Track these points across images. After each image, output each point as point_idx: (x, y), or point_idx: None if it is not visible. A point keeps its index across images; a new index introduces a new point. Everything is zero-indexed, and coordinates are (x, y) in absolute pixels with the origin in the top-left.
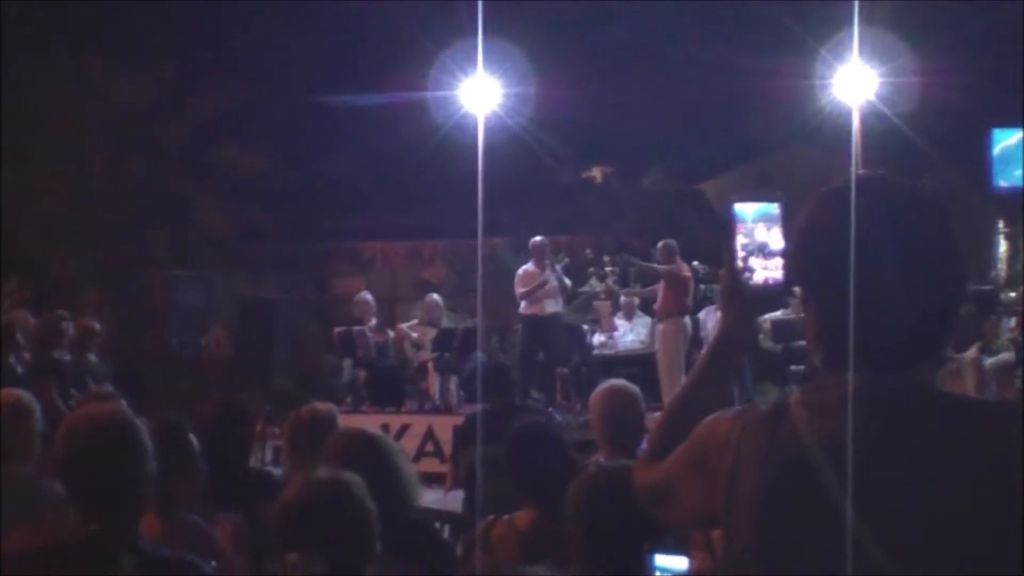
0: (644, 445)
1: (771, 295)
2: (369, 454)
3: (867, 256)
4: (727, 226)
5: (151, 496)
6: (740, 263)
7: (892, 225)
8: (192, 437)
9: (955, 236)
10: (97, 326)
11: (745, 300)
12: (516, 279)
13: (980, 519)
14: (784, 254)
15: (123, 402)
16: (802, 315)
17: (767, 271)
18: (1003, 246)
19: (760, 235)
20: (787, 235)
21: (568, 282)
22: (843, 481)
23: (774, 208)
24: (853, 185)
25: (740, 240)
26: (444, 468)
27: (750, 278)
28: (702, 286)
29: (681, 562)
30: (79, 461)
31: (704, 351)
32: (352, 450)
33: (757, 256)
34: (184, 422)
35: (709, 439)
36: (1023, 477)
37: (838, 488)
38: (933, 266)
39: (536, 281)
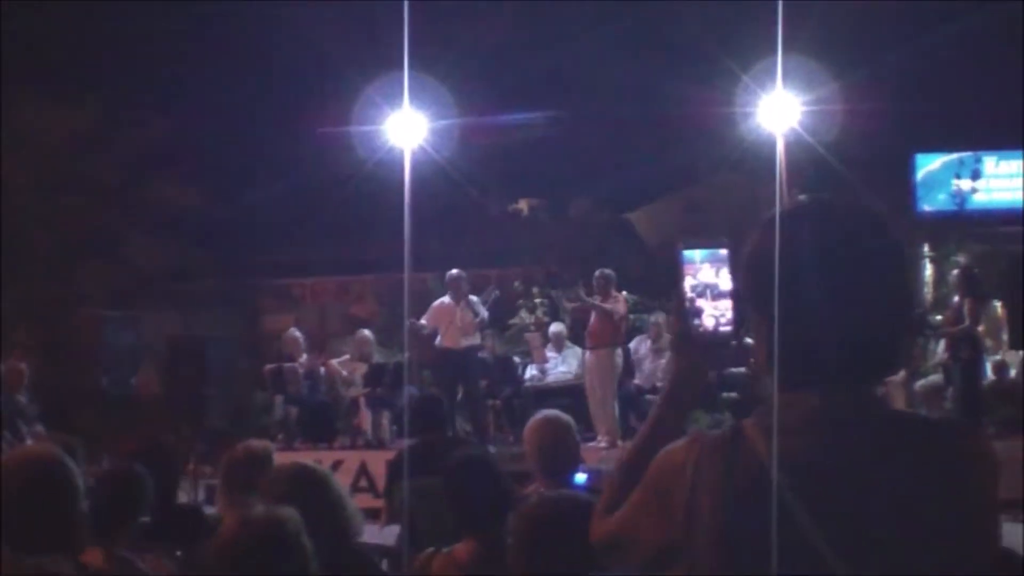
0: (579, 474)
1: (722, 341)
2: (314, 488)
3: (818, 277)
4: (675, 273)
5: (86, 534)
6: (688, 304)
7: (841, 245)
8: (147, 486)
9: (901, 254)
10: (24, 366)
11: (696, 348)
12: (429, 310)
13: (940, 533)
14: (733, 295)
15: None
16: (748, 340)
17: (716, 312)
18: (929, 270)
19: (706, 276)
20: (735, 277)
21: (486, 315)
22: (804, 501)
23: (722, 251)
24: (778, 213)
25: (689, 282)
26: (378, 503)
27: (700, 324)
28: (632, 316)
29: None
30: (14, 502)
31: (658, 401)
32: (296, 485)
33: (706, 297)
34: (141, 471)
35: (663, 469)
36: (978, 492)
37: (800, 508)
38: (882, 284)
39: (450, 315)
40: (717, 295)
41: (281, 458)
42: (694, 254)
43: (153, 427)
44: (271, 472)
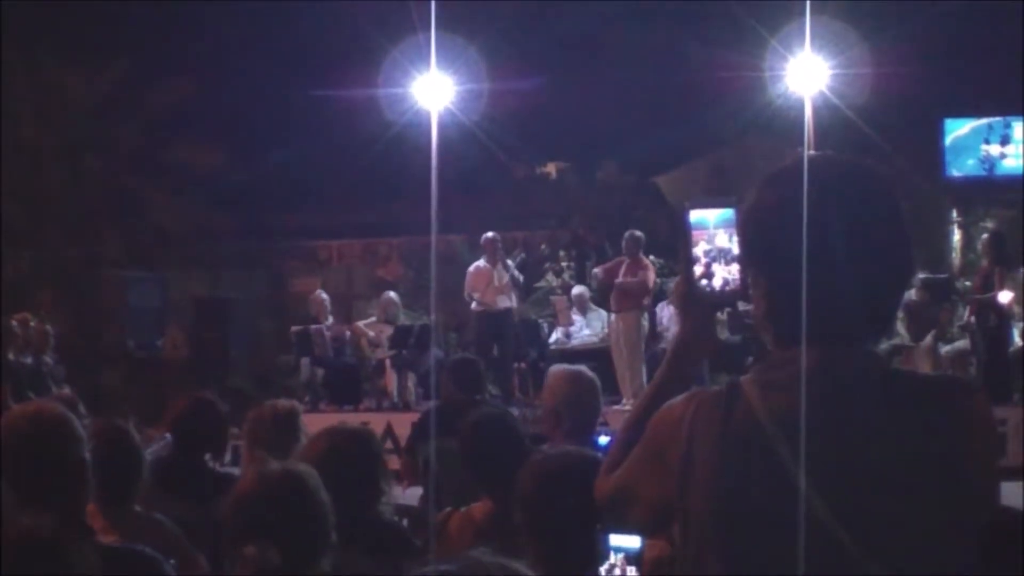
0: (603, 436)
1: (727, 299)
2: (359, 449)
3: (815, 233)
4: (683, 233)
5: (90, 486)
6: (703, 268)
7: (839, 201)
8: (136, 437)
9: (901, 210)
10: (49, 327)
11: (702, 306)
12: (467, 276)
13: (934, 491)
14: (740, 257)
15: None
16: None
17: (728, 275)
18: (957, 235)
19: (721, 241)
20: (739, 217)
21: (520, 277)
22: (800, 457)
23: (733, 212)
24: (805, 167)
25: (703, 246)
26: None
27: (707, 284)
28: (658, 280)
29: (634, 541)
30: (19, 455)
31: (664, 359)
32: (341, 446)
33: (720, 262)
34: (126, 425)
35: (661, 425)
36: (973, 449)
37: (795, 464)
38: (880, 241)
39: (487, 277)
40: (731, 260)
41: (307, 420)
42: (707, 219)
43: (179, 388)
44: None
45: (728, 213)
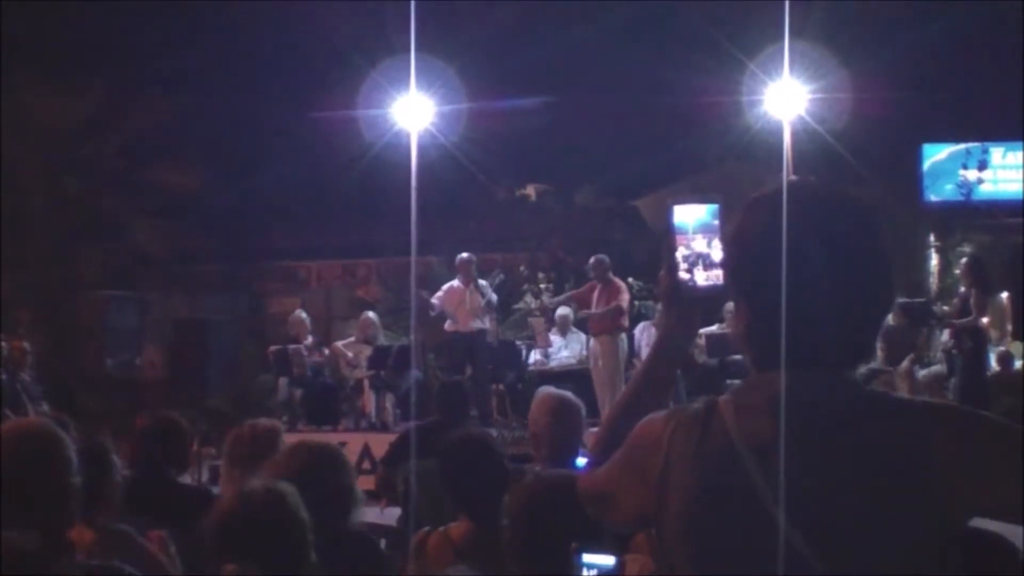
0: (581, 458)
1: (711, 296)
2: (327, 465)
3: (795, 259)
4: (667, 228)
5: (78, 506)
6: (684, 274)
7: (820, 228)
8: (113, 455)
9: (883, 239)
10: (27, 346)
11: (686, 301)
12: (438, 295)
13: (905, 515)
14: (723, 263)
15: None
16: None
17: (709, 281)
18: (934, 260)
19: (699, 246)
20: (723, 239)
21: (494, 298)
22: (771, 480)
23: (714, 219)
24: (785, 191)
25: (682, 251)
26: None
27: (691, 280)
28: (637, 303)
29: (608, 560)
30: (7, 472)
31: (646, 356)
32: (313, 463)
33: (699, 266)
34: (104, 442)
35: (642, 440)
36: (947, 474)
37: (767, 487)
38: (860, 268)
39: (460, 298)
40: (710, 264)
41: (286, 439)
42: (687, 223)
43: (157, 408)
44: (282, 449)
45: (707, 218)
